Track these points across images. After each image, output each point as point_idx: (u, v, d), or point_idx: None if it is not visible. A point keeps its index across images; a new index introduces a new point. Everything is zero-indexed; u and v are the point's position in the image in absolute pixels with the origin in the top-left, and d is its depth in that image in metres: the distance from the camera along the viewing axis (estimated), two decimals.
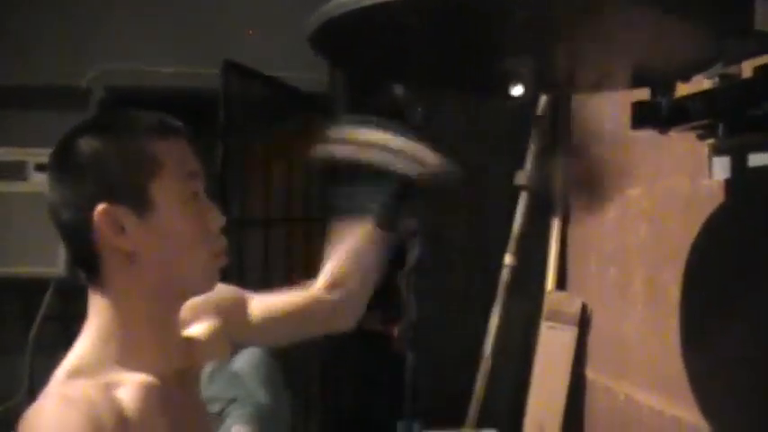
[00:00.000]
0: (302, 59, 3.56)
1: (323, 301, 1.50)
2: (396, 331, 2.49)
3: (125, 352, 1.07)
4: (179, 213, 1.08)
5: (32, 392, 3.48)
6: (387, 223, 1.49)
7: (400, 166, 1.48)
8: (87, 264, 1.07)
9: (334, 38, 1.35)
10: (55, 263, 3.45)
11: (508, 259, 2.44)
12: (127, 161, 1.06)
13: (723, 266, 1.77)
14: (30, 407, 1.04)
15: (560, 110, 2.45)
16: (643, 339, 2.07)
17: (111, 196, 1.04)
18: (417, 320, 2.64)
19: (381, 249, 1.53)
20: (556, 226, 2.54)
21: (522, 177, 2.45)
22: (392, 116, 1.69)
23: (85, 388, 1.01)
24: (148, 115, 1.12)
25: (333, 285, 1.49)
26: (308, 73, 3.52)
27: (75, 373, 1.04)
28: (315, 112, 3.25)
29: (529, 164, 2.44)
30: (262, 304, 1.47)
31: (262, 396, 1.02)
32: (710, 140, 1.73)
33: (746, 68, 1.42)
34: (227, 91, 2.83)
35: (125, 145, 1.07)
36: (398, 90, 2.78)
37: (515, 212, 2.44)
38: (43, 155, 3.88)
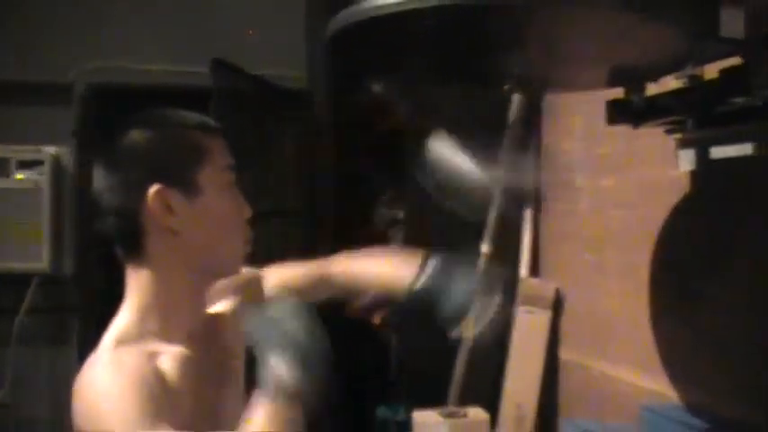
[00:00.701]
0: (282, 57, 3.68)
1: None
2: (379, 318, 2.60)
3: (163, 324, 1.20)
4: (220, 199, 1.22)
5: (16, 384, 3.54)
6: None
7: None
8: (132, 242, 1.19)
9: (347, 41, 1.44)
10: (38, 258, 3.52)
11: (485, 248, 2.56)
12: (179, 150, 1.20)
13: (690, 249, 1.90)
14: (80, 372, 1.16)
15: (533, 107, 2.57)
16: (617, 318, 2.19)
17: (163, 179, 1.17)
18: (400, 307, 2.75)
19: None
20: (528, 215, 2.68)
21: (496, 171, 2.57)
22: None
23: (133, 356, 1.14)
24: (192, 114, 1.25)
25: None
26: (287, 70, 3.61)
27: (122, 343, 1.17)
28: (299, 109, 3.33)
29: (504, 155, 2.57)
30: (276, 277, 1.57)
31: (302, 339, 1.12)
32: (678, 135, 1.85)
33: (712, 70, 1.52)
34: (216, 88, 2.90)
35: (177, 137, 1.21)
36: (378, 88, 2.89)
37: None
38: (27, 151, 3.94)
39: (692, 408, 1.80)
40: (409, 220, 2.90)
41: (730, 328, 1.75)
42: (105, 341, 1.18)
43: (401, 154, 2.95)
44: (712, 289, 1.81)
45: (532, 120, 2.59)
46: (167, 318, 1.21)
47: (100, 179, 1.21)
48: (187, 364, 1.19)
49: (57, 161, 3.45)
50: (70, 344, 3.63)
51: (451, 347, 2.58)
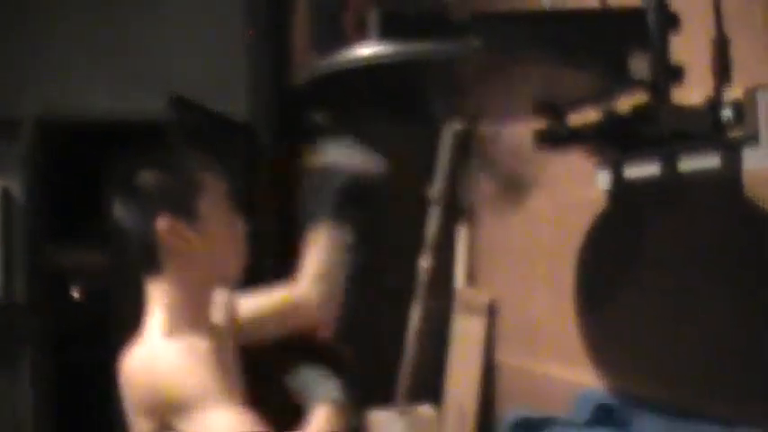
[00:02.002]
0: (225, 91, 3.83)
1: (307, 299, 1.80)
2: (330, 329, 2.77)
3: (189, 322, 1.43)
4: (218, 222, 1.48)
5: None
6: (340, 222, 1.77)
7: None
8: (152, 263, 1.44)
9: (314, 90, 1.64)
10: None
11: (424, 262, 2.79)
12: (182, 187, 1.45)
13: (609, 256, 2.09)
14: (143, 364, 1.38)
15: (466, 132, 2.81)
16: (547, 322, 2.38)
17: (170, 212, 1.42)
18: (350, 314, 2.94)
19: (346, 251, 1.83)
20: (463, 231, 2.91)
21: (433, 190, 2.80)
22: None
23: (185, 342, 1.38)
24: (191, 153, 1.55)
25: (316, 279, 1.77)
26: (230, 105, 3.76)
27: (169, 335, 1.40)
28: (248, 141, 3.47)
29: (439, 178, 2.80)
30: (248, 305, 1.77)
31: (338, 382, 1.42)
32: (595, 159, 2.05)
33: (625, 103, 1.71)
34: (174, 123, 3.05)
35: (180, 175, 1.46)
36: (319, 118, 3.07)
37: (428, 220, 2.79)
38: None
39: (617, 395, 2.00)
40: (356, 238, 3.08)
41: (640, 325, 1.95)
42: (153, 336, 1.40)
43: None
44: (625, 293, 2.01)
45: (466, 144, 2.82)
46: (190, 317, 1.43)
47: (120, 212, 1.46)
48: (217, 354, 1.42)
49: (6, 192, 3.53)
50: (22, 369, 3.69)
51: (396, 352, 2.79)
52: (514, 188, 2.34)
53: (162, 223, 1.41)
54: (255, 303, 1.77)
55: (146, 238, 1.43)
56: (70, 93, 3.75)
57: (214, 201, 1.48)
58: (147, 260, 1.45)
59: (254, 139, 3.67)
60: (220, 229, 1.48)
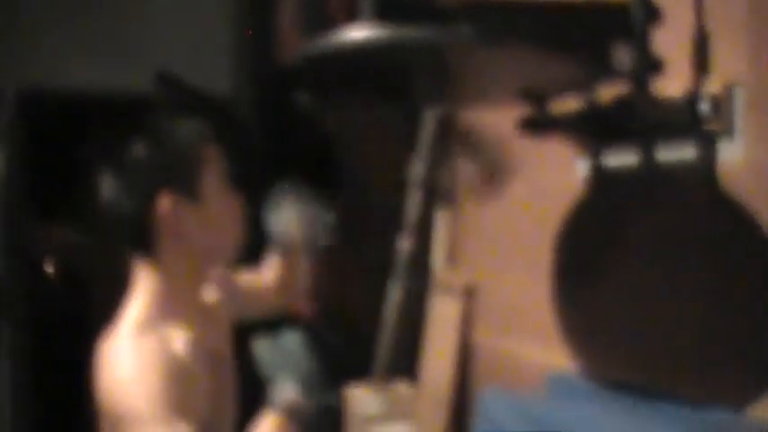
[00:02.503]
0: (209, 69, 3.83)
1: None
2: (311, 308, 2.81)
3: (172, 309, 1.35)
4: (218, 202, 1.38)
5: None
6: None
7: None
8: (143, 242, 1.33)
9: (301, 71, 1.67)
10: None
11: (404, 242, 2.83)
12: (183, 162, 1.35)
13: (586, 241, 2.12)
14: (102, 357, 1.32)
15: (449, 116, 2.84)
16: (522, 303, 2.43)
17: (170, 188, 1.32)
18: (330, 296, 2.99)
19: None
20: (442, 215, 2.96)
21: (414, 173, 2.84)
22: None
23: (152, 343, 1.29)
24: (192, 125, 1.40)
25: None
26: (216, 80, 3.76)
27: (140, 329, 1.31)
28: (228, 120, 3.48)
29: (420, 161, 2.84)
30: (246, 281, 1.78)
31: (307, 368, 1.36)
32: (575, 146, 2.12)
33: (606, 94, 1.76)
34: (158, 100, 3.05)
35: (181, 149, 1.36)
36: (304, 98, 3.09)
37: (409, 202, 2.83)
38: None
39: (592, 376, 2.06)
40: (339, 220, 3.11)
41: (615, 308, 1.99)
42: (123, 328, 1.32)
43: (328, 162, 3.17)
44: (601, 277, 2.05)
45: (447, 129, 2.86)
46: (175, 303, 1.36)
47: (110, 187, 1.34)
48: (196, 345, 1.34)
49: None
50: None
51: (375, 331, 2.83)
52: (493, 174, 2.38)
53: (163, 202, 1.30)
54: (252, 279, 1.76)
55: (139, 218, 1.32)
56: (53, 67, 3.71)
57: (215, 176, 1.38)
58: (138, 241, 1.35)
59: (237, 118, 3.68)
60: (221, 208, 1.39)
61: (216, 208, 1.39)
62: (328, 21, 1.57)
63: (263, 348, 1.42)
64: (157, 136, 1.38)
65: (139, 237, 1.35)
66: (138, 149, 1.35)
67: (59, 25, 3.76)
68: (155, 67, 3.32)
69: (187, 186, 1.34)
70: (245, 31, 3.79)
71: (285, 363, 1.39)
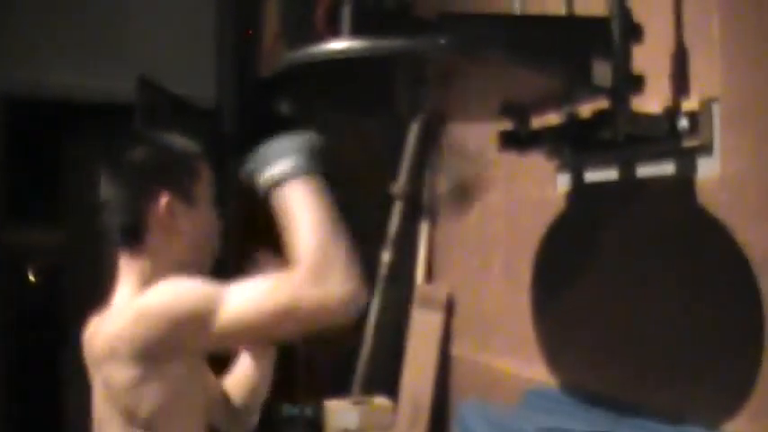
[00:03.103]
0: (193, 76, 3.83)
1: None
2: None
3: None
4: (207, 209, 1.50)
5: None
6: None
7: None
8: (135, 237, 1.43)
9: (285, 81, 1.68)
10: None
11: (385, 256, 2.83)
12: (184, 169, 1.47)
13: (563, 255, 2.16)
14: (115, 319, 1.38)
15: (431, 130, 2.85)
16: (501, 316, 2.44)
17: (172, 191, 1.43)
18: None
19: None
20: (424, 228, 2.96)
21: (396, 186, 2.84)
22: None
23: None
24: (188, 140, 1.52)
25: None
26: (199, 89, 3.77)
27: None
28: (211, 127, 3.49)
29: (403, 175, 2.84)
30: None
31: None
32: (556, 161, 2.13)
33: (586, 109, 1.78)
34: (140, 104, 3.05)
35: (183, 158, 1.48)
36: (286, 108, 3.09)
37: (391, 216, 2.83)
38: None
39: (568, 389, 2.07)
40: None
41: (592, 322, 2.02)
42: (127, 302, 1.40)
43: None
44: (578, 291, 2.08)
45: (430, 143, 2.87)
46: None
47: (107, 185, 1.45)
48: None
49: None
50: None
51: (354, 344, 2.83)
52: (465, 190, 2.39)
53: (164, 200, 1.42)
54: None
55: (136, 213, 1.43)
56: (36, 72, 3.70)
57: (206, 189, 1.50)
58: (130, 236, 1.45)
59: (219, 126, 3.68)
60: (208, 216, 1.50)
61: (205, 214, 1.50)
62: (311, 32, 1.59)
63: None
64: (159, 143, 1.50)
65: (135, 231, 1.44)
66: (142, 153, 1.46)
67: (44, 32, 3.75)
68: (138, 73, 3.31)
69: (185, 189, 1.46)
70: (245, 31, 3.80)
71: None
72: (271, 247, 1.73)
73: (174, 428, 1.37)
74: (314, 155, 1.40)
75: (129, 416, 1.35)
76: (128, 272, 1.45)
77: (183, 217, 1.44)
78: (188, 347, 1.34)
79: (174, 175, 1.45)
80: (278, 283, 1.28)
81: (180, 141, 1.51)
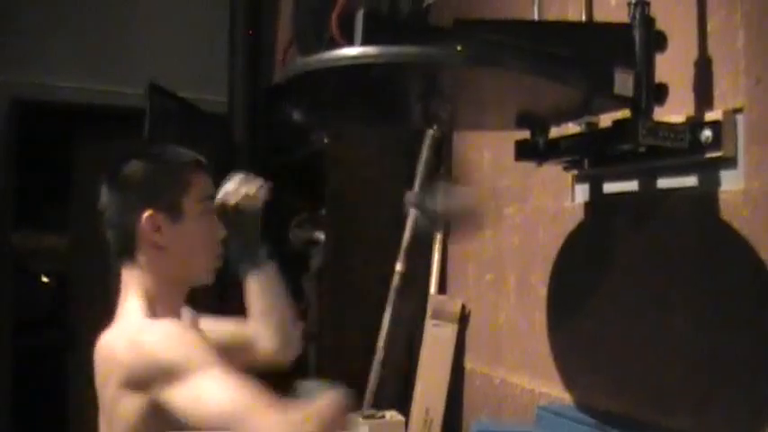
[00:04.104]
0: (204, 82, 3.82)
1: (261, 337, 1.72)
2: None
3: (160, 309, 1.43)
4: (198, 223, 1.48)
5: None
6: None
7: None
8: (127, 251, 1.44)
9: (297, 87, 1.64)
10: None
11: (399, 267, 2.78)
12: (169, 182, 1.45)
13: (580, 269, 2.12)
14: (119, 343, 1.37)
15: (445, 141, 2.82)
16: (514, 331, 2.40)
17: (154, 205, 1.42)
18: (320, 318, 2.94)
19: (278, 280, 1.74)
20: (438, 239, 2.92)
21: (410, 197, 2.79)
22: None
23: (166, 325, 1.38)
24: (185, 151, 1.51)
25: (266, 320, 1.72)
26: (209, 95, 3.75)
27: (148, 317, 1.40)
28: (218, 132, 3.47)
29: (417, 186, 2.79)
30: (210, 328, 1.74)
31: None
32: (574, 172, 2.10)
33: (607, 119, 1.75)
34: (150, 110, 3.03)
35: (169, 171, 1.46)
36: (297, 116, 3.06)
37: (405, 227, 2.78)
38: None
39: (582, 406, 2.02)
40: (329, 240, 3.08)
41: (607, 338, 1.98)
42: (133, 318, 1.40)
43: (318, 177, 3.14)
44: (593, 306, 2.03)
45: (443, 153, 2.83)
46: (164, 306, 1.44)
47: (105, 198, 1.46)
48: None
49: None
50: None
51: (365, 355, 2.78)
52: (470, 219, 2.37)
53: (145, 215, 1.42)
54: (217, 329, 1.73)
55: (125, 227, 1.44)
56: (46, 76, 3.71)
57: (198, 200, 1.48)
58: (124, 248, 1.46)
59: (229, 133, 3.66)
60: (199, 229, 1.48)
61: (195, 228, 1.47)
62: (324, 39, 1.55)
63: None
64: (150, 156, 1.50)
65: (125, 245, 1.45)
66: (132, 166, 1.46)
67: (54, 35, 3.75)
68: (149, 78, 3.30)
69: (169, 205, 1.44)
70: (250, 43, 3.78)
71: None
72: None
73: None
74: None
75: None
76: (130, 283, 1.45)
77: (169, 232, 1.43)
78: (154, 395, 1.31)
79: (158, 189, 1.44)
80: (248, 403, 1.23)
81: (173, 153, 1.50)
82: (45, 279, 5.77)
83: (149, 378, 1.30)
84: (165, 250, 1.44)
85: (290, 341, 1.76)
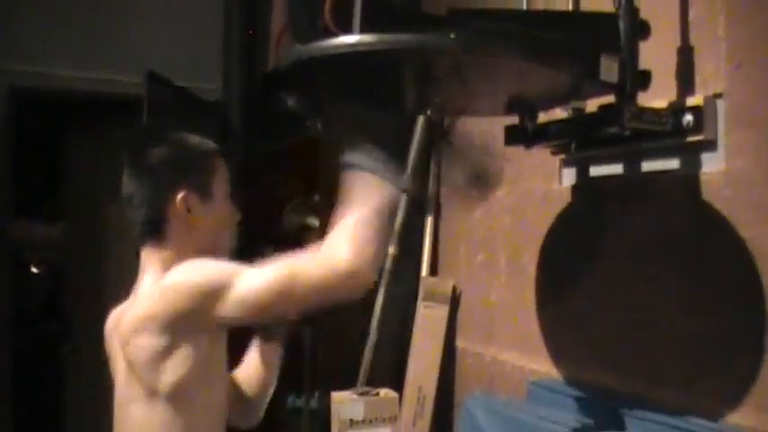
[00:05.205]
0: (201, 70, 3.86)
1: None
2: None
3: None
4: (223, 203, 1.62)
5: None
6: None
7: None
8: (157, 231, 1.55)
9: (294, 75, 1.70)
10: None
11: (391, 249, 2.84)
12: (201, 165, 1.59)
13: (569, 249, 2.18)
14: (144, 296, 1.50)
15: (437, 125, 2.87)
16: (506, 310, 2.47)
17: (187, 187, 1.55)
18: None
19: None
20: (429, 222, 2.98)
21: (403, 181, 2.85)
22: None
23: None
24: (204, 139, 1.65)
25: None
26: (205, 83, 3.79)
27: None
28: (216, 119, 3.51)
29: (408, 169, 2.85)
30: None
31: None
32: (562, 155, 2.16)
33: (593, 104, 1.82)
34: (148, 98, 3.08)
35: (199, 155, 1.60)
36: (292, 102, 3.11)
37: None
38: None
39: (572, 382, 2.09)
40: (323, 225, 3.12)
41: (596, 315, 2.04)
42: (148, 288, 1.51)
43: (313, 162, 3.19)
44: (582, 284, 2.10)
45: (435, 138, 2.88)
46: None
47: (130, 183, 1.56)
48: None
49: None
50: None
51: (359, 337, 2.84)
52: (481, 183, 2.41)
53: (180, 196, 1.53)
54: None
55: (157, 208, 1.54)
56: (41, 64, 3.73)
57: (222, 184, 1.62)
58: (153, 228, 1.55)
59: (225, 121, 3.71)
60: (223, 210, 1.62)
61: (221, 208, 1.62)
62: (319, 27, 1.61)
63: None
64: (173, 141, 1.61)
65: (156, 225, 1.56)
66: (159, 151, 1.58)
67: (49, 24, 3.78)
68: (144, 66, 3.34)
69: (201, 185, 1.57)
70: (245, 32, 3.83)
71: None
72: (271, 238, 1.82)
73: (195, 402, 1.47)
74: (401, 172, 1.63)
75: (153, 392, 1.44)
76: (151, 262, 1.56)
77: (199, 210, 1.56)
78: (208, 320, 1.44)
79: (191, 171, 1.56)
80: (285, 261, 1.41)
81: (197, 139, 1.62)
82: (34, 269, 5.79)
83: (196, 306, 1.43)
84: (194, 228, 1.56)
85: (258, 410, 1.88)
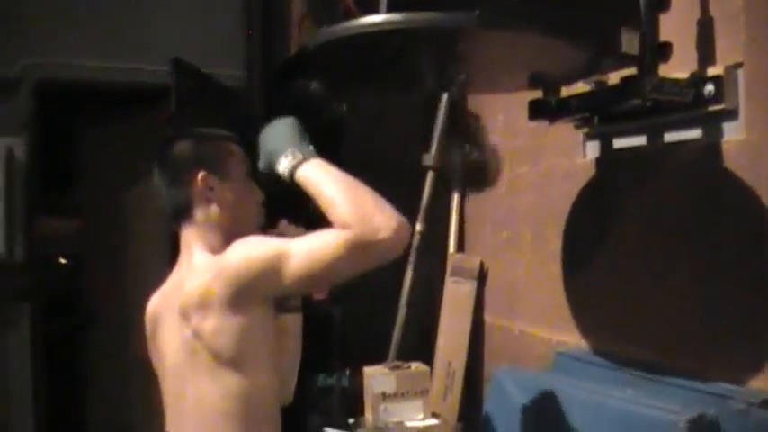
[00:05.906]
0: (222, 57, 3.89)
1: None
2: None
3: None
4: (241, 183, 1.72)
5: None
6: None
7: None
8: (186, 210, 1.67)
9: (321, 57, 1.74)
10: None
11: (418, 227, 2.88)
12: (216, 149, 1.72)
13: (592, 223, 2.21)
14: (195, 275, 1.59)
15: (460, 103, 2.91)
16: (530, 284, 2.52)
17: (206, 168, 1.67)
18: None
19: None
20: (455, 199, 3.02)
21: (428, 159, 2.89)
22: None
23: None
24: (220, 130, 1.78)
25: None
26: (227, 69, 3.83)
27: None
28: (239, 107, 3.55)
29: (434, 147, 2.89)
30: None
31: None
32: (585, 129, 2.19)
33: (615, 77, 1.85)
34: (175, 86, 3.12)
35: (215, 141, 1.75)
36: (315, 86, 3.15)
37: (424, 187, 2.88)
38: None
39: (595, 352, 2.13)
40: None
41: (618, 287, 2.08)
42: (202, 263, 1.62)
43: (336, 144, 3.23)
44: (607, 255, 2.13)
45: (459, 116, 2.92)
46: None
47: (159, 176, 1.71)
48: None
49: (10, 152, 3.59)
50: (21, 328, 3.76)
51: (388, 313, 2.90)
52: (480, 169, 2.46)
53: (200, 176, 1.65)
54: None
55: (182, 189, 1.66)
56: (62, 55, 3.75)
57: (240, 165, 1.72)
58: (183, 208, 1.67)
59: (247, 106, 3.74)
60: (242, 189, 1.71)
61: (241, 186, 1.71)
62: (338, 10, 1.65)
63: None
64: (192, 134, 1.75)
65: (184, 205, 1.68)
66: (180, 145, 1.71)
67: (70, 14, 3.78)
68: (166, 55, 3.37)
69: (218, 166, 1.69)
70: (245, 30, 3.87)
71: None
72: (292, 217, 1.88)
73: (257, 365, 1.57)
74: (304, 138, 1.63)
75: (218, 357, 1.55)
76: (191, 240, 1.68)
77: (219, 188, 1.67)
78: (267, 293, 1.55)
79: (208, 155, 1.69)
80: (334, 231, 1.45)
81: (211, 130, 1.77)
82: (62, 260, 5.85)
83: (258, 283, 1.51)
84: (217, 205, 1.66)
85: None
